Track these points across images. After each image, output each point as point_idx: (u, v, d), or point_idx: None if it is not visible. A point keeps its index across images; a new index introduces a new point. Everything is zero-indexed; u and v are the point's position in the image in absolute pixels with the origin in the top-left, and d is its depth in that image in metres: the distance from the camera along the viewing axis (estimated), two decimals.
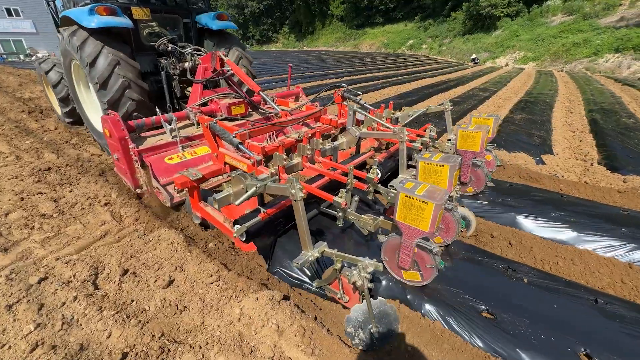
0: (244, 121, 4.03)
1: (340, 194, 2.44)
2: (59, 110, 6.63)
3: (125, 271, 2.57)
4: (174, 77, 5.08)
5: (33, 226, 3.27)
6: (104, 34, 4.13)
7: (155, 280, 2.47)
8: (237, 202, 2.11)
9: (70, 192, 3.94)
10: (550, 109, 8.86)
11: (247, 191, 2.11)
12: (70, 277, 2.50)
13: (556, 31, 25.79)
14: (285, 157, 2.96)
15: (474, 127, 3.30)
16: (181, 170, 2.85)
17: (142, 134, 3.96)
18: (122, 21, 4.16)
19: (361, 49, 47.91)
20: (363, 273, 1.90)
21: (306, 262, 2.01)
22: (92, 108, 5.27)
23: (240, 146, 2.81)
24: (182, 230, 3.27)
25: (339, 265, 2.01)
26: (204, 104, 4.40)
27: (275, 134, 4.37)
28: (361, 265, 1.91)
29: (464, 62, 29.79)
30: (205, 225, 3.30)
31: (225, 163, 3.12)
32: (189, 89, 5.14)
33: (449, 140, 3.99)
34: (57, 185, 4.15)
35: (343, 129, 4.41)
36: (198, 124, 4.03)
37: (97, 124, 4.99)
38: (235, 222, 2.40)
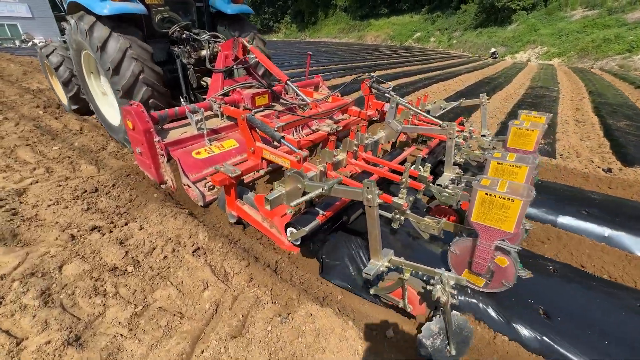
0: (268, 112, 3.83)
1: (400, 194, 2.40)
2: (64, 99, 6.11)
3: None
4: (189, 66, 4.65)
5: (105, 291, 2.23)
6: (116, 21, 3.87)
7: None
8: (292, 204, 1.97)
9: (141, 229, 2.89)
10: None
11: (304, 192, 1.96)
12: None
13: (580, 26, 24.70)
14: (335, 153, 2.90)
15: (529, 124, 2.99)
16: (210, 165, 2.68)
17: (165, 126, 3.65)
18: (136, 7, 3.94)
19: (366, 41, 46.37)
20: (448, 288, 1.70)
21: (377, 272, 1.93)
22: (105, 101, 5.02)
23: (283, 140, 2.73)
24: (327, 302, 2.26)
25: (407, 275, 1.86)
26: (226, 94, 4.14)
27: (301, 127, 4.26)
28: (443, 279, 1.73)
29: (482, 56, 28.70)
30: (240, 223, 3.08)
31: (263, 158, 2.95)
32: (205, 78, 4.87)
33: (483, 135, 3.81)
34: (115, 216, 3.10)
35: (371, 122, 4.32)
36: (222, 116, 3.86)
37: (111, 118, 4.83)
38: (288, 225, 2.33)
